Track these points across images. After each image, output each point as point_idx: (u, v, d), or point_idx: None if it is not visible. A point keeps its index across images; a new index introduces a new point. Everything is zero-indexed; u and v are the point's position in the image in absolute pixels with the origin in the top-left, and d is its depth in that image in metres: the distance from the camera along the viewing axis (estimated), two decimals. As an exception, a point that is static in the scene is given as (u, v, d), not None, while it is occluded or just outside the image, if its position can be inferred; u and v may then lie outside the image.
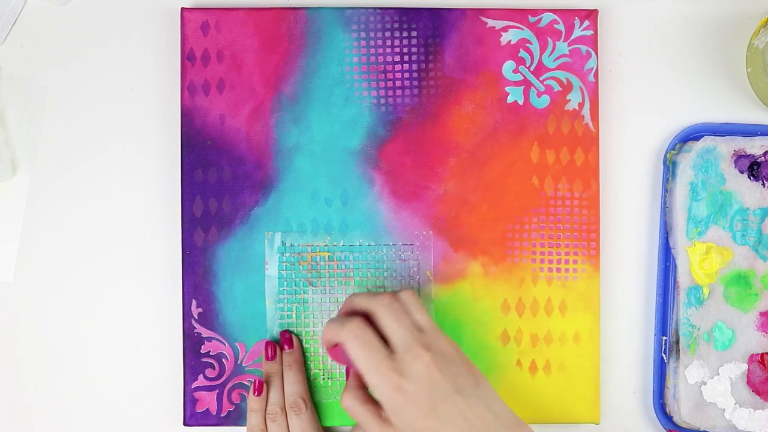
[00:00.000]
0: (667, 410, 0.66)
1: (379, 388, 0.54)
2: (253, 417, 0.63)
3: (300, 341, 0.65)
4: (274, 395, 0.64)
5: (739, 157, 0.65)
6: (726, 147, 0.65)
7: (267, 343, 0.64)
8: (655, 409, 0.66)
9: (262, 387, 0.63)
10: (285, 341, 0.65)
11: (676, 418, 0.65)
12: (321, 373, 0.66)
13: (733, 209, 0.65)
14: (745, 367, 0.65)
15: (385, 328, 0.56)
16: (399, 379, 0.53)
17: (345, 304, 0.59)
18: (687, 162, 0.65)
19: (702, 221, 0.65)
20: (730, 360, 0.65)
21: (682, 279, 0.65)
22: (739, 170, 0.65)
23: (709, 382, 0.65)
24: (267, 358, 0.64)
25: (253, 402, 0.63)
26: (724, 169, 0.65)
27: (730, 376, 0.65)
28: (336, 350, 0.57)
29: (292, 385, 0.64)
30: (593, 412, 0.65)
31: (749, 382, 0.65)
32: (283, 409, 0.63)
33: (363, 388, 0.57)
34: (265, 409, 0.63)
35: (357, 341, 0.55)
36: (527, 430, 0.55)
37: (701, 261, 0.65)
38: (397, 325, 0.55)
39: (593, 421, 0.66)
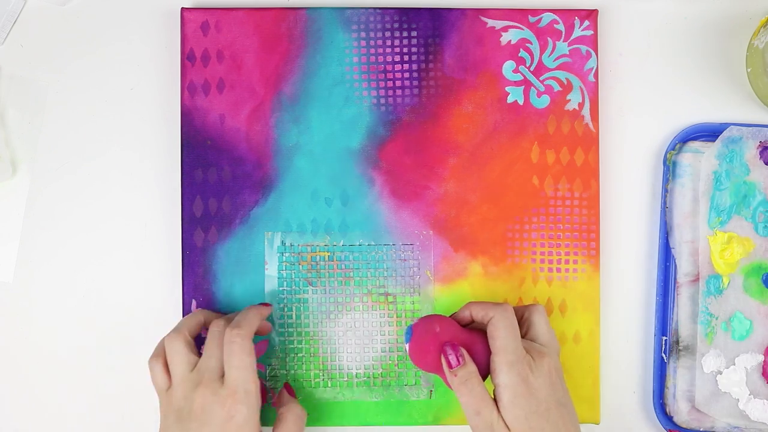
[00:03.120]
0: (667, 410, 0.66)
1: (510, 371, 0.56)
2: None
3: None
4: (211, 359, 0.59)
5: (765, 149, 0.64)
6: (752, 137, 0.65)
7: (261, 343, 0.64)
8: (655, 409, 0.66)
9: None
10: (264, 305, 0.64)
11: (676, 418, 0.65)
12: (321, 373, 0.66)
13: (756, 200, 0.65)
14: (761, 358, 0.65)
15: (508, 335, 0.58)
16: (527, 371, 0.56)
17: (462, 308, 0.60)
18: (711, 151, 0.64)
19: (724, 211, 0.65)
20: (747, 350, 0.65)
21: (702, 268, 0.64)
22: (764, 161, 0.65)
23: (725, 371, 0.64)
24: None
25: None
26: (749, 159, 0.65)
27: (745, 367, 0.65)
28: (426, 347, 0.58)
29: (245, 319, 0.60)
30: (593, 412, 0.65)
31: (765, 374, 0.65)
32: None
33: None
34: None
35: (508, 322, 0.57)
36: None
37: (722, 250, 0.65)
38: (516, 335, 0.58)
39: (593, 421, 0.66)
